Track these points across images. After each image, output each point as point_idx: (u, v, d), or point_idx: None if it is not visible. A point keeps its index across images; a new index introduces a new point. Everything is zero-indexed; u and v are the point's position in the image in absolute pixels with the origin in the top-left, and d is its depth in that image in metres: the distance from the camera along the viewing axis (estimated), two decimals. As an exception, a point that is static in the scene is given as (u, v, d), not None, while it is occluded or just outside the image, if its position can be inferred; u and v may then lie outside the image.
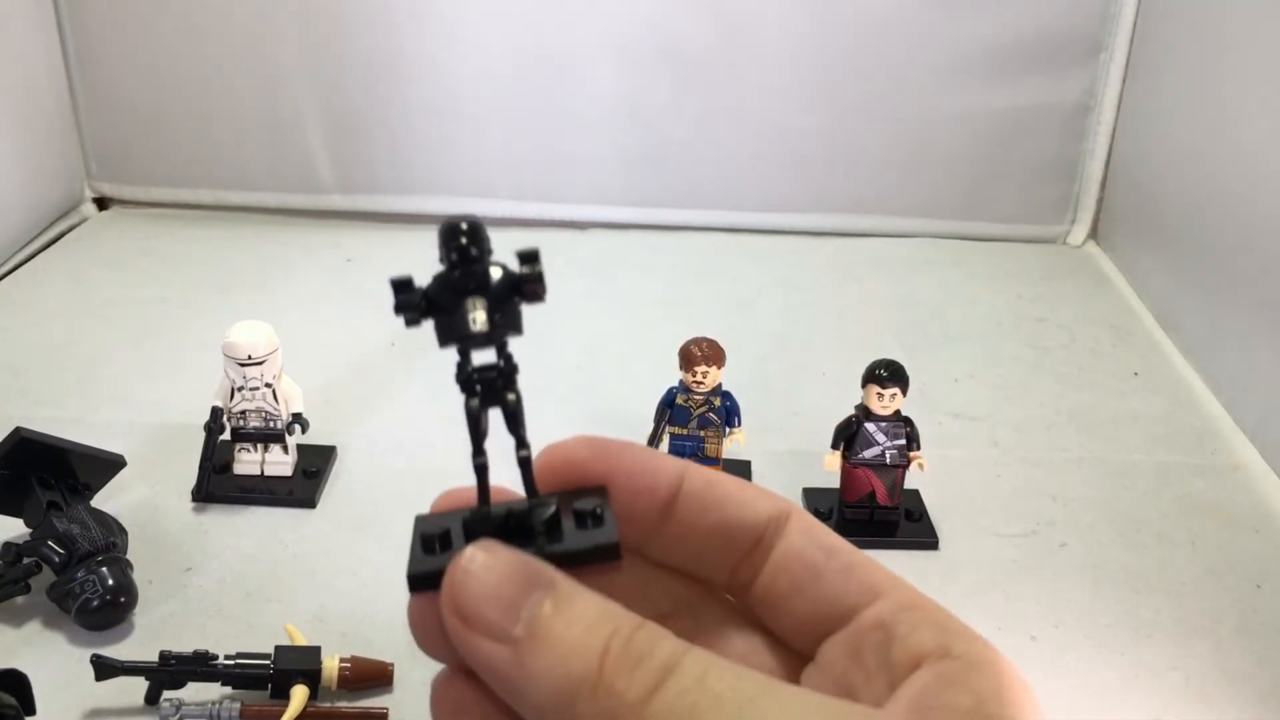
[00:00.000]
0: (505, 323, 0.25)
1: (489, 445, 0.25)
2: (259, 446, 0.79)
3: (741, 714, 0.21)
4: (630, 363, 0.96)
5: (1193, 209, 1.03)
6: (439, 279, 0.25)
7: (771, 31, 1.17)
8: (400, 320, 0.25)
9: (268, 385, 0.76)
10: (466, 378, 0.25)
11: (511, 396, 0.25)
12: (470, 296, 0.25)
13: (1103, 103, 1.18)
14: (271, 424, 0.78)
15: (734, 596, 0.28)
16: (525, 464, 0.26)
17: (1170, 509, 0.81)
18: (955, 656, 0.23)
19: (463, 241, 0.25)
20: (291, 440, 0.79)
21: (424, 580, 0.25)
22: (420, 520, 0.26)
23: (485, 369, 0.25)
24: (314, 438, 0.81)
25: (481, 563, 0.24)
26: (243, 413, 0.77)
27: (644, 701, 0.21)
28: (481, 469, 0.25)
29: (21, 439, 0.68)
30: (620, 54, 1.18)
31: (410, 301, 0.25)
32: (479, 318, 0.25)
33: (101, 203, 1.29)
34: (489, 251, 0.25)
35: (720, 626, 0.28)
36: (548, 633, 0.22)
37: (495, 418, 0.26)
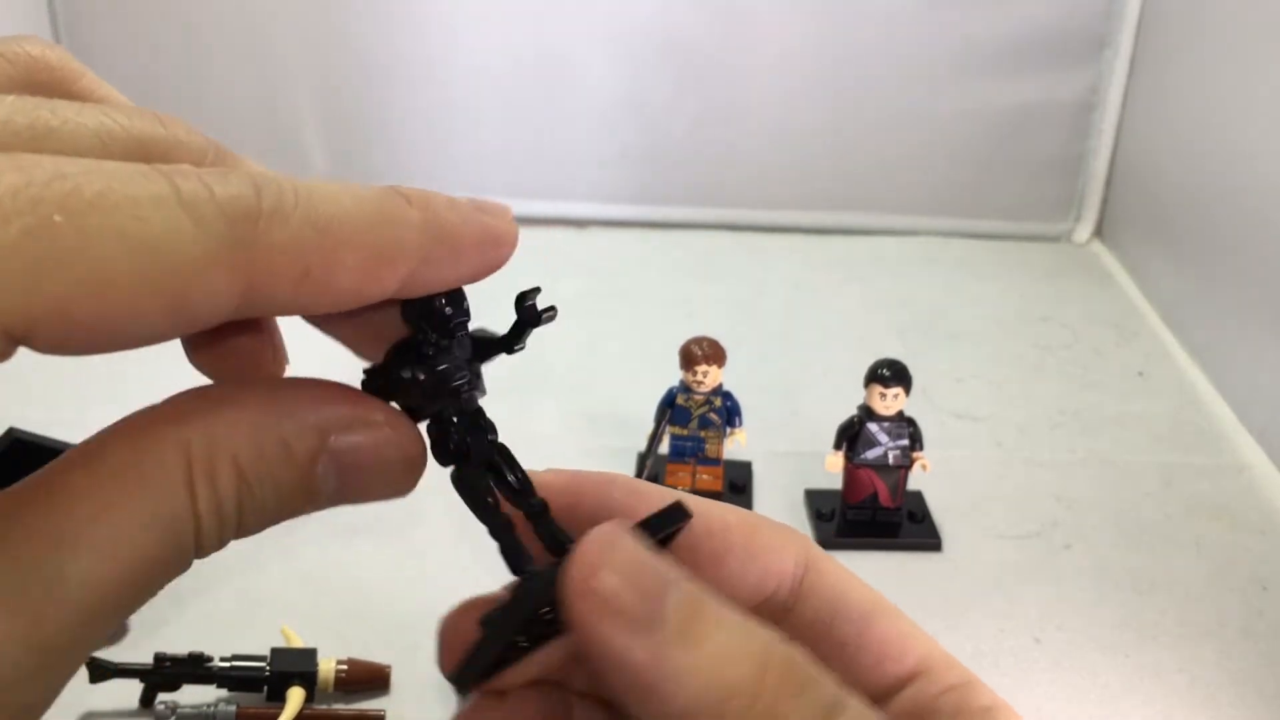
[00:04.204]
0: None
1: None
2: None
3: None
4: (630, 362, 0.95)
5: (1198, 206, 1.03)
6: (431, 368, 0.23)
7: (773, 28, 1.16)
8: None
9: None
10: (459, 444, 0.23)
11: (499, 439, 0.24)
12: (469, 364, 0.23)
13: (1107, 99, 1.18)
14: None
15: None
16: (544, 512, 0.24)
17: (1175, 510, 0.80)
18: None
19: (448, 309, 0.23)
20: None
21: (474, 668, 0.22)
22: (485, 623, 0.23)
23: (459, 425, 0.23)
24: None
25: (625, 542, 0.21)
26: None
27: None
28: (507, 527, 0.23)
29: (15, 440, 0.68)
30: (620, 50, 1.18)
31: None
32: (481, 385, 0.23)
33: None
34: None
35: None
36: (700, 629, 0.20)
37: None
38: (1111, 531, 0.78)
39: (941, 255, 1.18)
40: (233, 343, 0.23)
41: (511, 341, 0.24)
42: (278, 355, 0.23)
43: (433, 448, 0.23)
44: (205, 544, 0.20)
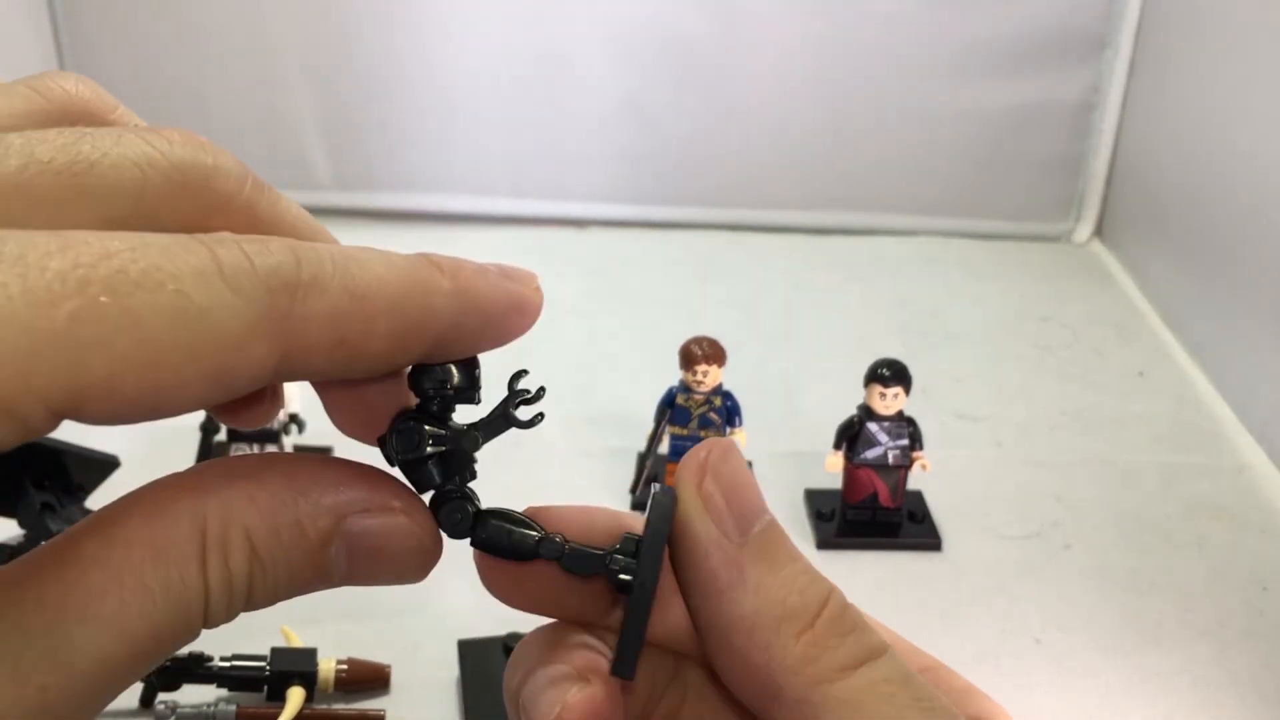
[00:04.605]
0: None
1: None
2: (255, 446, 0.78)
3: None
4: (630, 362, 0.95)
5: (1198, 206, 1.02)
6: (449, 441, 0.23)
7: (773, 28, 1.16)
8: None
9: (264, 384, 0.76)
10: (464, 515, 0.24)
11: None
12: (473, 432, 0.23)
13: (1107, 99, 1.18)
14: (268, 424, 0.77)
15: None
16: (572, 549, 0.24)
17: (1176, 510, 0.80)
18: None
19: (461, 380, 0.23)
20: (288, 440, 0.78)
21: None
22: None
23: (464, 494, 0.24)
24: (310, 438, 0.80)
25: (730, 466, 0.23)
26: (239, 412, 0.77)
27: (847, 669, 0.22)
28: (557, 546, 0.24)
29: (15, 438, 0.68)
30: (620, 50, 1.17)
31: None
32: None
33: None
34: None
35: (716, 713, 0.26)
36: (774, 557, 0.23)
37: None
38: (1111, 531, 0.77)
39: (941, 255, 1.18)
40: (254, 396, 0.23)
41: (508, 419, 0.24)
42: (275, 400, 0.24)
43: (441, 522, 0.23)
44: (213, 617, 0.21)
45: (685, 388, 0.75)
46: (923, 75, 1.18)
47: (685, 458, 0.24)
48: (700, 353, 0.74)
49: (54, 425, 0.18)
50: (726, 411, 0.76)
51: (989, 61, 1.17)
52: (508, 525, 0.24)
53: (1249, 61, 0.95)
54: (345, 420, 0.23)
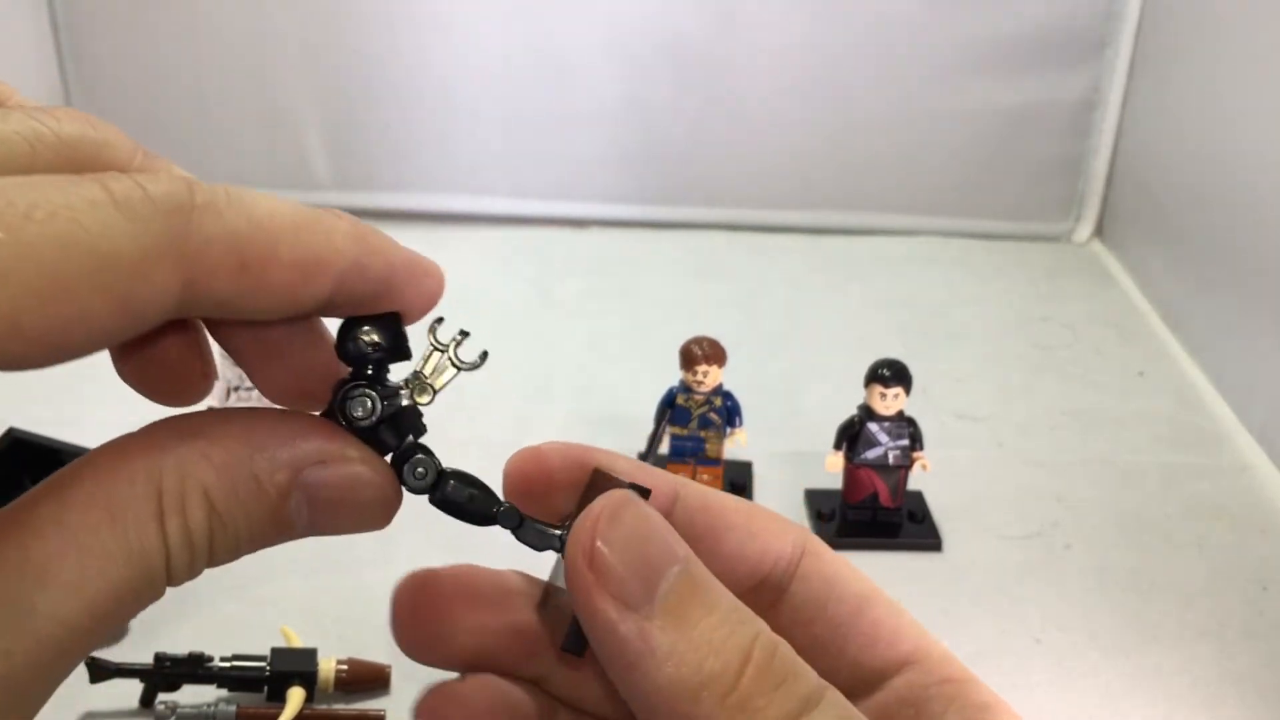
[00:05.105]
0: None
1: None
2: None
3: None
4: (630, 362, 0.95)
5: (1199, 206, 1.02)
6: (387, 405, 0.23)
7: (773, 28, 1.16)
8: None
9: (264, 384, 0.75)
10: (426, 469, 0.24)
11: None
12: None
13: (1107, 99, 1.18)
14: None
15: None
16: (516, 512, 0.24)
17: (1176, 510, 0.80)
18: None
19: (383, 341, 0.23)
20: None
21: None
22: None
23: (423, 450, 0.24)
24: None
25: (629, 517, 0.21)
26: (239, 412, 0.76)
27: None
28: (514, 514, 0.24)
29: (15, 439, 0.68)
30: (620, 50, 1.17)
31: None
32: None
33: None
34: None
35: None
36: (685, 616, 0.21)
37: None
38: (1111, 531, 0.77)
39: (941, 255, 1.18)
40: (161, 357, 0.23)
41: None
42: (206, 371, 0.23)
43: (404, 477, 0.23)
44: (176, 575, 0.20)
45: (685, 388, 0.75)
46: (923, 75, 1.18)
47: (577, 523, 0.22)
48: (700, 353, 0.74)
49: None
50: (726, 411, 0.76)
51: (989, 61, 1.17)
52: (469, 488, 0.24)
53: (1249, 61, 0.95)
54: (272, 383, 0.23)
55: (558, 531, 0.23)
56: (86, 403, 0.89)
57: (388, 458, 0.23)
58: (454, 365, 0.24)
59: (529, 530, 0.23)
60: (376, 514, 0.23)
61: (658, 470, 0.25)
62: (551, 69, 1.18)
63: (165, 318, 0.19)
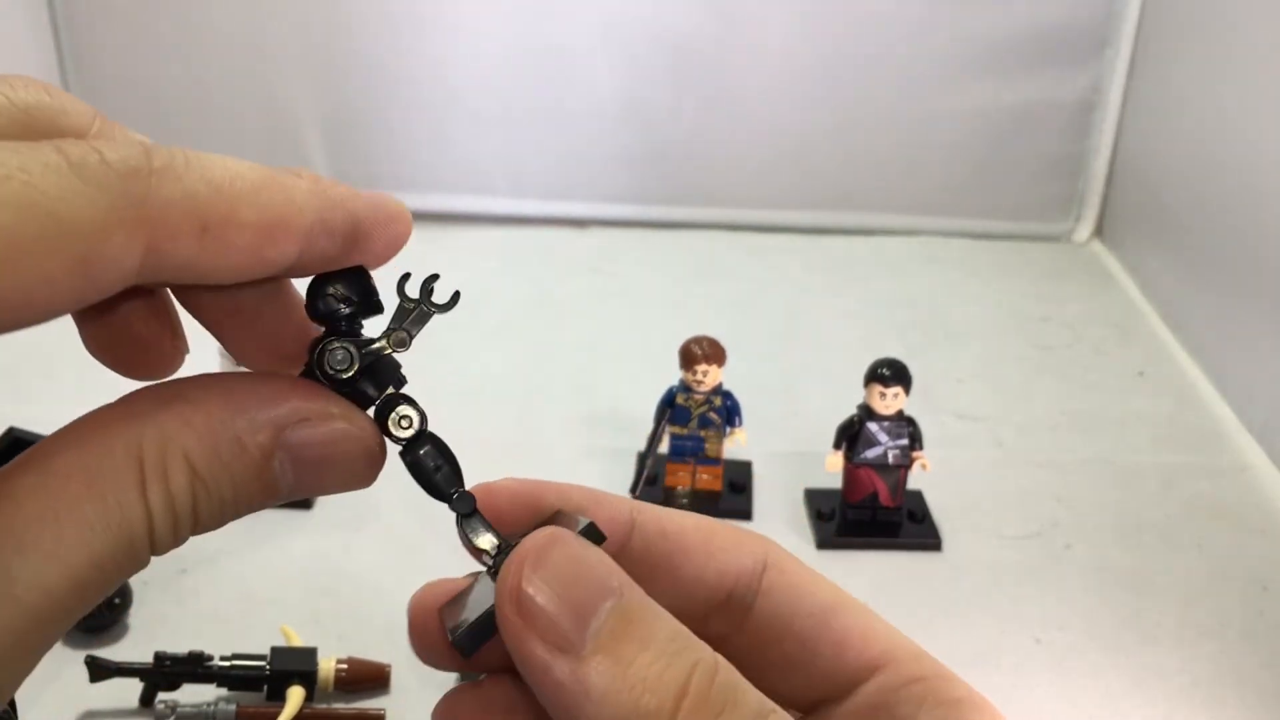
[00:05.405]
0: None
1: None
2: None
3: None
4: (630, 362, 0.95)
5: (1199, 206, 1.02)
6: (364, 356, 0.23)
7: (773, 27, 1.16)
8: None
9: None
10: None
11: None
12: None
13: (1108, 99, 1.18)
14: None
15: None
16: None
17: (1176, 510, 0.80)
18: None
19: (353, 295, 0.23)
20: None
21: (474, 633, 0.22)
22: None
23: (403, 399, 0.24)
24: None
25: (557, 555, 0.21)
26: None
27: None
28: (467, 500, 0.24)
29: (15, 439, 0.68)
30: (620, 50, 1.17)
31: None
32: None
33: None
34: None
35: None
36: (619, 654, 0.20)
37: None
38: (1111, 532, 0.77)
39: (941, 255, 1.18)
40: (130, 330, 0.23)
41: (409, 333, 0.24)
42: (176, 342, 0.23)
43: (389, 427, 0.23)
44: (160, 543, 0.20)
45: (685, 387, 0.75)
46: (923, 75, 1.18)
47: (505, 565, 0.21)
48: (700, 352, 0.74)
49: None
50: (726, 411, 0.76)
51: (989, 61, 1.17)
52: (440, 459, 0.24)
53: (1249, 61, 0.95)
54: (246, 349, 0.23)
55: (491, 550, 0.23)
56: (87, 403, 0.88)
57: (370, 412, 0.23)
58: (426, 310, 0.23)
59: (474, 526, 0.23)
60: (360, 470, 0.22)
61: (613, 496, 0.25)
62: (552, 68, 1.18)
63: (127, 283, 0.19)
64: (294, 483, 0.21)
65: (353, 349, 0.23)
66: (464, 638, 0.22)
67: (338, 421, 0.22)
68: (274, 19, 1.17)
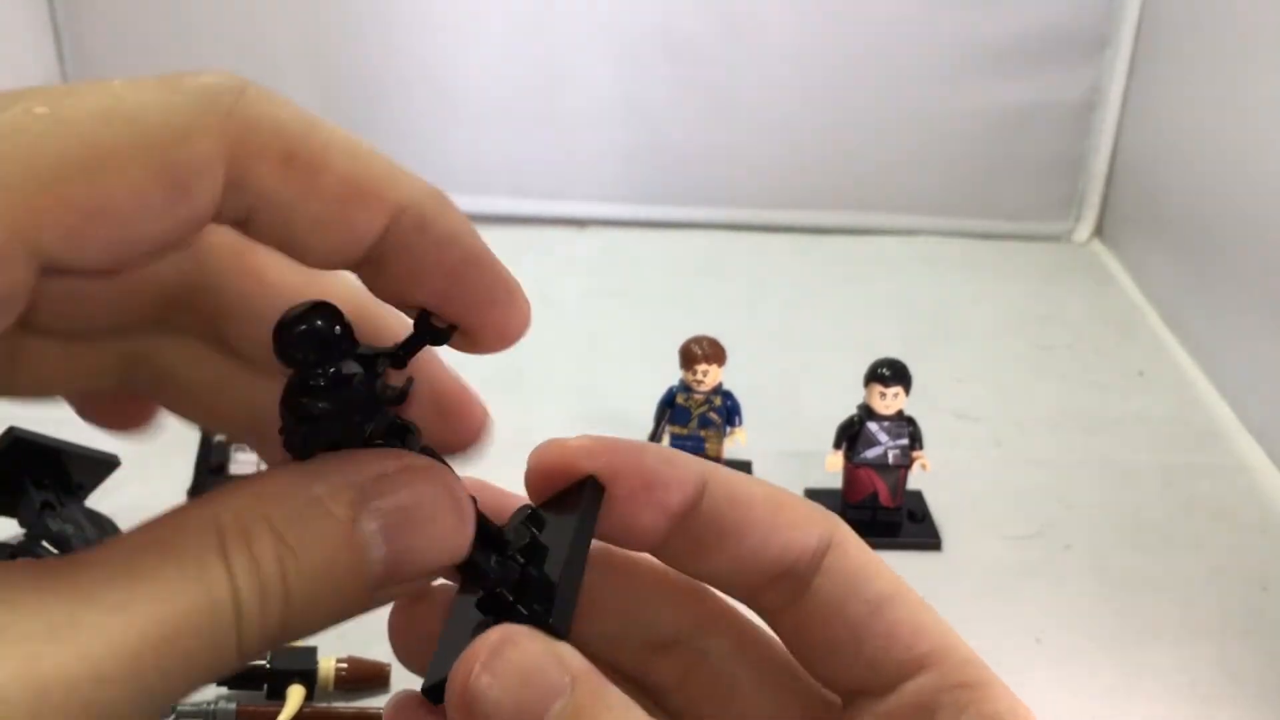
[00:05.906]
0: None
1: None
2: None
3: None
4: (630, 362, 0.95)
5: (1199, 206, 1.02)
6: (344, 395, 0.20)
7: (773, 27, 1.16)
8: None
9: (264, 384, 0.76)
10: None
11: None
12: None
13: (1108, 99, 1.18)
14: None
15: (757, 614, 0.25)
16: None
17: (1176, 510, 0.80)
18: None
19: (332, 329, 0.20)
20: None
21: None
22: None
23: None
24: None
25: (510, 655, 0.21)
26: (239, 411, 0.76)
27: None
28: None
29: (15, 438, 0.68)
30: (620, 50, 1.17)
31: None
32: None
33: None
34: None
35: (728, 664, 0.25)
36: None
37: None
38: (1111, 531, 0.77)
39: (941, 255, 1.18)
40: (120, 399, 0.23)
41: (404, 354, 0.22)
42: (144, 406, 0.24)
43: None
44: (246, 618, 0.19)
45: (685, 387, 0.75)
46: (923, 75, 1.18)
47: (455, 666, 0.21)
48: (700, 352, 0.74)
49: (27, 281, 0.17)
50: (726, 411, 0.76)
51: (989, 61, 1.17)
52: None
53: (1249, 62, 0.95)
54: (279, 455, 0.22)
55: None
56: (86, 402, 0.89)
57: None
58: (424, 337, 0.22)
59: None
60: (452, 525, 0.21)
61: (687, 457, 0.24)
62: (552, 68, 1.18)
63: (214, 203, 0.18)
64: (385, 552, 0.20)
65: (359, 371, 0.21)
66: (433, 693, 0.22)
67: (423, 473, 0.21)
68: (273, 19, 1.17)
